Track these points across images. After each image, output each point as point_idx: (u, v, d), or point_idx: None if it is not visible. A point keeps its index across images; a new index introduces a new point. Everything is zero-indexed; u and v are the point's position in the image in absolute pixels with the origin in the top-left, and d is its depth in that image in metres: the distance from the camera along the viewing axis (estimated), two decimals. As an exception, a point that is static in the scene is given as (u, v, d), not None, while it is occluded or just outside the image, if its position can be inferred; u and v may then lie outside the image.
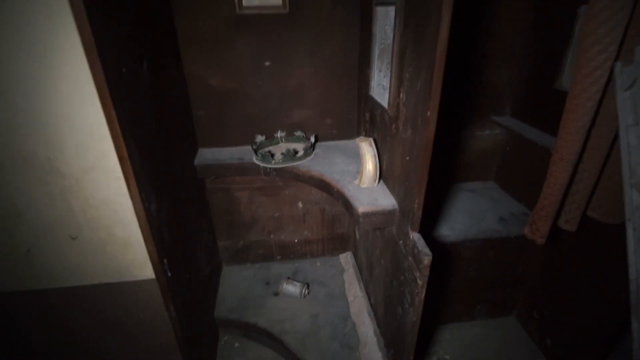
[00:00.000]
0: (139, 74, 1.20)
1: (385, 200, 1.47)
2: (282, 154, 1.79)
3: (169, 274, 1.34)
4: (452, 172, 2.35)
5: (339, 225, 2.39)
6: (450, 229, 1.92)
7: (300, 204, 2.27)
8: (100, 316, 1.56)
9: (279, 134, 1.99)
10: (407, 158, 1.27)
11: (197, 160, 1.89)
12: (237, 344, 2.13)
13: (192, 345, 1.59)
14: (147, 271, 1.46)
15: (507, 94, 2.13)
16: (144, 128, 1.20)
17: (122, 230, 1.36)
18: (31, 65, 1.09)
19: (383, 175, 1.58)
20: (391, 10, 1.31)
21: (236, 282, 2.31)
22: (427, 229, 1.28)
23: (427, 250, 1.21)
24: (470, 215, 2.03)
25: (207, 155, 1.95)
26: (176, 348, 1.57)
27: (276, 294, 2.21)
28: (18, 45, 1.06)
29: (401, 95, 1.30)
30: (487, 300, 2.18)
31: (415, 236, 1.28)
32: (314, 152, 1.94)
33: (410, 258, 1.32)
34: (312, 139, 1.93)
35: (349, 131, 2.08)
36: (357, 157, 1.84)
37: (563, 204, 1.42)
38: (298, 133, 1.99)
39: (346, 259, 2.45)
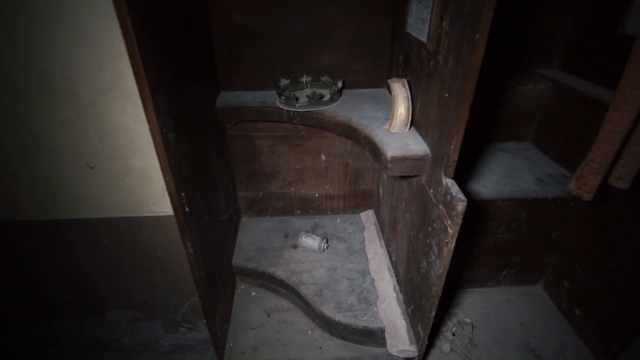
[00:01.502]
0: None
1: (416, 145, 1.36)
2: (307, 96, 1.69)
3: (187, 209, 1.30)
4: (487, 130, 2.19)
5: (361, 181, 2.30)
6: (483, 187, 1.80)
7: (323, 157, 2.18)
8: (118, 251, 1.55)
9: (305, 79, 1.88)
10: (446, 95, 1.14)
11: (219, 102, 1.81)
12: (253, 293, 2.13)
13: (209, 286, 1.58)
14: (165, 206, 1.42)
15: (558, 43, 1.92)
16: (164, 51, 1.12)
17: (140, 161, 1.31)
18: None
19: (415, 121, 1.46)
20: None
21: (254, 233, 2.29)
22: (459, 183, 1.19)
23: (461, 195, 1.11)
24: (504, 174, 1.90)
25: (228, 97, 1.86)
26: (193, 288, 1.56)
27: (295, 246, 2.17)
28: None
29: (444, 23, 1.15)
30: (514, 266, 2.08)
31: (449, 182, 1.18)
32: (341, 98, 1.83)
33: (441, 206, 1.22)
34: (340, 84, 1.81)
35: (379, 78, 1.94)
36: (387, 105, 1.72)
37: (618, 158, 1.27)
38: (325, 78, 1.87)
39: (367, 216, 2.38)
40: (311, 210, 2.42)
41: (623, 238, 1.61)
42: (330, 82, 1.87)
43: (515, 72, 2.00)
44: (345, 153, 2.17)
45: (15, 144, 1.26)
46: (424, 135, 1.38)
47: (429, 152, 1.32)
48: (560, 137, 1.97)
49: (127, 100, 1.18)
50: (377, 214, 2.30)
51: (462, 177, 1.87)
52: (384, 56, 1.87)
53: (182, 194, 1.26)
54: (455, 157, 1.14)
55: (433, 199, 1.29)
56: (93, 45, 1.10)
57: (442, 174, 1.20)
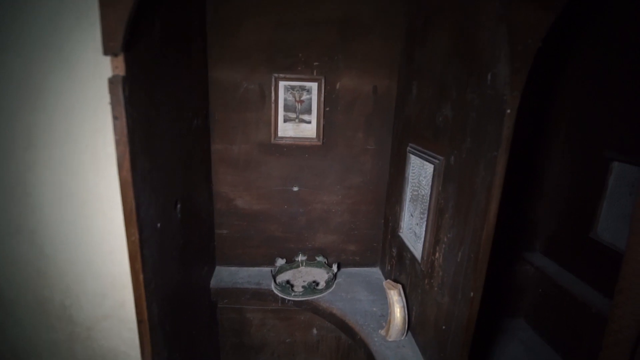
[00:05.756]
0: (171, 218, 1.19)
1: (414, 361, 1.33)
2: (303, 286, 1.70)
3: None
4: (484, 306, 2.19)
5: (354, 357, 2.18)
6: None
7: (315, 330, 2.10)
8: None
9: (300, 258, 1.93)
10: (444, 327, 1.16)
11: (214, 282, 1.81)
12: None
13: None
14: None
15: (539, 230, 2.06)
16: (167, 289, 1.15)
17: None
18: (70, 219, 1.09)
19: (412, 326, 1.46)
20: (429, 167, 1.32)
21: (236, 416, 2.06)
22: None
23: None
24: (503, 366, 1.83)
25: (224, 275, 1.87)
26: None
27: None
28: (54, 190, 1.07)
29: (437, 254, 1.24)
30: None
31: (452, 422, 1.12)
32: (336, 281, 1.85)
33: None
34: (335, 268, 1.85)
35: (372, 258, 2.00)
36: (381, 294, 1.74)
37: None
38: (320, 258, 1.93)
39: (360, 395, 2.19)
40: (300, 385, 2.23)
41: None
42: (325, 262, 1.92)
43: (502, 252, 2.10)
44: (338, 327, 2.10)
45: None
46: (422, 350, 1.36)
47: (428, 371, 1.29)
48: (551, 322, 1.97)
49: (124, 326, 1.16)
50: (371, 394, 2.13)
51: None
52: (378, 240, 1.96)
53: None
54: (457, 395, 1.11)
55: None
56: (100, 277, 1.12)
57: (444, 409, 1.15)
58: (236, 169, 1.83)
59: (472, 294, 0.99)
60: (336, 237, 1.96)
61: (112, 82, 0.83)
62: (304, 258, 1.93)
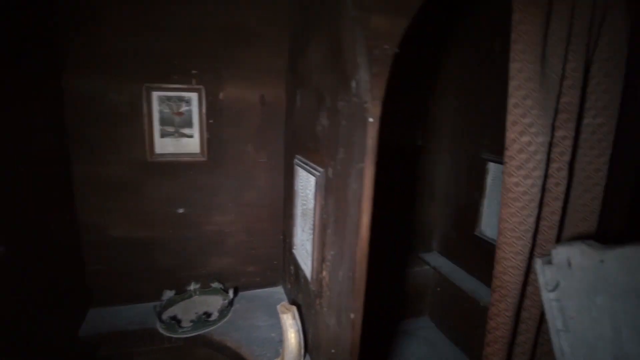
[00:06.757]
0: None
1: (311, 390, 1.24)
2: (192, 320, 1.51)
3: None
4: (385, 311, 2.20)
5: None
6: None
7: (217, 364, 1.91)
8: None
9: (193, 287, 1.73)
10: (333, 351, 1.09)
11: (87, 329, 1.52)
12: None
13: None
14: None
15: (435, 231, 2.15)
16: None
17: None
18: None
19: (309, 350, 1.37)
20: (312, 179, 1.25)
21: None
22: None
23: None
24: (408, 371, 1.84)
25: (102, 318, 1.59)
26: None
27: None
28: None
29: (324, 273, 1.17)
30: None
31: None
32: (232, 308, 1.69)
33: None
34: (231, 294, 1.69)
35: (273, 278, 1.88)
36: (282, 315, 1.62)
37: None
38: (215, 285, 1.75)
39: None
40: None
41: None
42: (221, 288, 1.75)
43: (403, 255, 2.14)
44: None
45: None
46: (319, 375, 1.28)
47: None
48: (452, 319, 2.06)
49: None
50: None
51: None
52: (278, 257, 1.86)
53: None
54: None
55: None
56: None
57: None
58: (109, 193, 1.58)
59: (352, 315, 0.93)
60: (233, 260, 1.81)
61: None
62: (197, 286, 1.73)
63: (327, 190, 1.12)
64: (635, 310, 0.80)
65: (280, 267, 1.88)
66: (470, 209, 1.88)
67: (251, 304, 1.74)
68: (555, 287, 0.92)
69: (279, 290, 1.87)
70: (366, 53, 0.82)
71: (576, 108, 1.08)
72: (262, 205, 1.78)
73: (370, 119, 0.83)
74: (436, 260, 2.07)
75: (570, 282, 0.89)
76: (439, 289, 2.12)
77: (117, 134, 1.54)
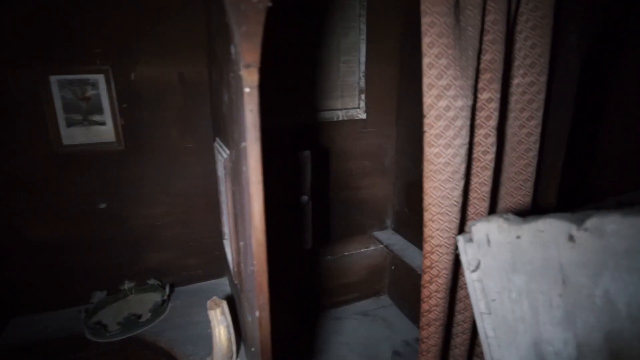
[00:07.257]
0: None
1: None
2: (119, 322, 1.40)
3: None
4: (343, 293, 2.14)
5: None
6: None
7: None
8: None
9: (127, 285, 1.61)
10: (252, 349, 1.00)
11: (2, 341, 1.40)
12: None
13: None
14: None
15: (387, 208, 2.07)
16: None
17: None
18: None
19: (245, 342, 1.29)
20: (221, 163, 1.12)
21: None
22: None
23: None
24: (362, 349, 1.79)
25: (24, 328, 1.46)
26: None
27: None
28: None
29: (242, 265, 1.07)
30: None
31: None
32: (171, 305, 1.58)
33: None
34: (167, 290, 1.59)
35: (217, 269, 1.78)
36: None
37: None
38: (152, 281, 1.64)
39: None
40: None
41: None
42: (158, 284, 1.64)
43: (356, 235, 2.06)
44: None
45: None
46: (252, 370, 1.19)
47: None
48: (408, 297, 2.01)
49: None
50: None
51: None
52: (220, 248, 1.74)
53: None
54: None
55: None
56: None
57: None
58: (16, 192, 1.42)
59: (257, 313, 0.83)
60: (170, 254, 1.69)
61: None
62: (132, 285, 1.62)
63: (233, 175, 1.00)
64: (551, 290, 0.72)
65: (223, 258, 1.77)
66: (420, 183, 1.80)
67: (192, 299, 1.64)
68: (477, 267, 0.83)
69: (224, 282, 1.77)
70: (233, 10, 0.69)
71: (500, 66, 0.97)
72: (195, 194, 1.65)
73: (247, 89, 0.71)
74: (389, 238, 2.00)
75: (490, 261, 0.81)
76: (393, 267, 2.06)
77: (15, 126, 1.37)
